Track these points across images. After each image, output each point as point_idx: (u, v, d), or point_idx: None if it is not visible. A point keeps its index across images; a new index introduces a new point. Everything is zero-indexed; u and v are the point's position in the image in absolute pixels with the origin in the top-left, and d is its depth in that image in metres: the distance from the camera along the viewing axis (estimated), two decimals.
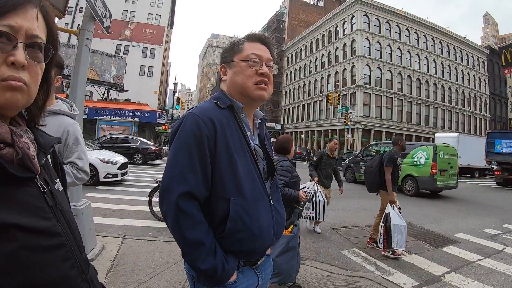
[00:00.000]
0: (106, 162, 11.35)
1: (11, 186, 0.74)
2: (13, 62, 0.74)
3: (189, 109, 1.53)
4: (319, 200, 6.15)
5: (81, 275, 0.87)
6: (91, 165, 10.94)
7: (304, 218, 6.27)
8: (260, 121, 1.72)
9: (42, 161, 0.87)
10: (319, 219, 6.37)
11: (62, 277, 0.80)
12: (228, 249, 1.43)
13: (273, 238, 1.55)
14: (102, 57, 35.65)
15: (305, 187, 6.08)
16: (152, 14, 51.65)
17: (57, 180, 0.98)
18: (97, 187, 10.62)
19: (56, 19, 4.68)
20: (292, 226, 3.88)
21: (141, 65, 49.95)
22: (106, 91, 36.53)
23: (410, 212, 9.63)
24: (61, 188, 0.98)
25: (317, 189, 6.30)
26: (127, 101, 36.32)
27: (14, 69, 0.75)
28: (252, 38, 1.63)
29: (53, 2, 3.74)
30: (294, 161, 5.28)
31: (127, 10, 50.35)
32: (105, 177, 11.20)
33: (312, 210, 6.12)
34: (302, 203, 4.14)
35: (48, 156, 0.97)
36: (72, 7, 42.79)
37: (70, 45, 32.04)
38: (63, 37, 37.10)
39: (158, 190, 7.10)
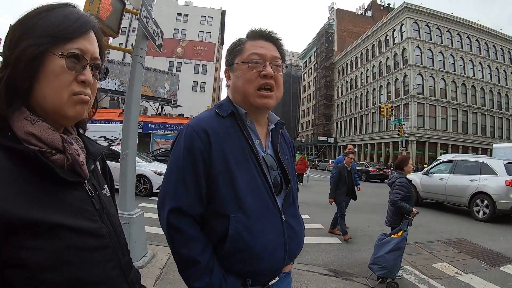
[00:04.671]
0: (160, 174, 11.69)
1: (60, 189, 0.82)
2: (83, 80, 0.85)
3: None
4: None
5: (123, 276, 0.94)
6: (145, 177, 11.42)
7: None
8: (274, 126, 1.54)
9: (91, 167, 0.95)
10: None
11: (104, 277, 0.87)
12: (230, 269, 1.33)
13: (285, 258, 1.39)
14: (156, 74, 37.08)
15: None
16: (203, 31, 53.31)
17: (105, 186, 1.06)
18: (151, 198, 11.00)
19: (111, 39, 5.00)
20: (401, 232, 4.68)
21: (193, 81, 51.48)
22: (160, 106, 37.86)
23: (467, 229, 9.16)
24: (108, 194, 1.06)
25: None
26: (181, 116, 37.38)
27: (82, 86, 0.85)
28: (254, 35, 1.47)
29: (107, 23, 4.00)
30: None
31: (178, 29, 52.43)
32: (158, 188, 11.46)
33: None
34: (412, 216, 4.84)
35: (98, 163, 1.07)
36: (126, 27, 45.27)
37: (125, 63, 33.79)
38: (118, 56, 39.10)
39: None
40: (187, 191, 1.30)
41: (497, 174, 10.74)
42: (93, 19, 0.92)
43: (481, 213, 10.65)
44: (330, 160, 47.10)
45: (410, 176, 16.85)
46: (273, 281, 1.43)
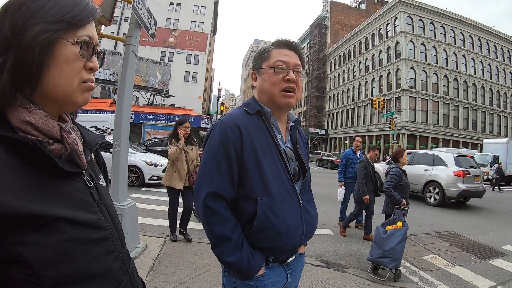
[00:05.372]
0: (151, 165, 11.68)
1: (59, 180, 0.79)
2: (91, 67, 0.85)
3: (221, 116, 1.65)
4: None
5: (123, 268, 0.92)
6: (136, 167, 11.35)
7: None
8: (292, 123, 1.77)
9: (88, 157, 0.92)
10: None
11: (105, 269, 0.84)
12: (256, 246, 1.53)
13: (302, 237, 1.61)
14: (148, 63, 36.78)
15: None
16: (195, 21, 52.78)
17: (101, 176, 1.03)
18: (142, 189, 10.97)
19: (103, 27, 4.91)
20: (401, 222, 4.95)
21: (185, 71, 51.11)
22: (152, 96, 37.60)
23: (456, 222, 9.24)
24: (104, 184, 1.04)
25: None
26: (172, 106, 37.17)
27: (90, 73, 0.85)
28: (279, 44, 1.68)
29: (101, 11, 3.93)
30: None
31: (170, 18, 51.79)
32: (150, 179, 11.53)
33: None
34: (406, 207, 5.23)
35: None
36: (117, 16, 44.51)
37: (116, 52, 33.53)
38: (109, 45, 38.56)
39: None
40: (222, 177, 1.50)
41: (447, 165, 12.33)
42: (96, 6, 0.90)
43: (432, 199, 12.38)
44: (321, 152, 47.29)
45: (376, 165, 17.26)
46: (291, 259, 1.67)
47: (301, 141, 1.81)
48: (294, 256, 1.68)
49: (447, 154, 13.00)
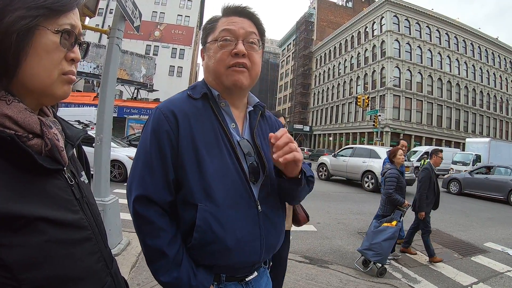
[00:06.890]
0: None
1: (39, 177, 0.74)
2: (72, 58, 0.79)
3: None
4: None
5: (106, 268, 0.88)
6: (119, 162, 11.20)
7: None
8: (252, 108, 1.42)
9: (69, 153, 0.87)
10: None
11: (88, 271, 0.81)
12: (200, 262, 1.23)
13: (262, 253, 1.28)
14: (132, 57, 36.29)
15: None
16: (181, 15, 52.32)
17: (83, 173, 0.98)
18: (125, 184, 10.75)
19: (87, 19, 4.81)
20: (395, 222, 5.04)
21: (170, 66, 50.72)
22: (136, 90, 37.17)
23: (439, 219, 9.37)
24: (86, 181, 0.99)
25: None
26: (156, 100, 36.77)
27: (72, 64, 0.80)
28: (227, 11, 1.35)
29: (85, 3, 3.84)
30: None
31: (156, 12, 51.22)
32: None
33: None
34: (405, 208, 5.31)
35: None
36: (103, 9, 43.92)
37: (101, 45, 33.00)
38: (94, 37, 37.97)
39: None
40: (154, 178, 1.19)
41: (380, 158, 13.83)
42: None
43: (367, 185, 14.76)
44: (306, 149, 47.51)
45: (323, 158, 18.64)
46: (251, 277, 1.35)
47: (267, 128, 1.46)
48: (255, 273, 1.36)
49: (381, 148, 15.38)
